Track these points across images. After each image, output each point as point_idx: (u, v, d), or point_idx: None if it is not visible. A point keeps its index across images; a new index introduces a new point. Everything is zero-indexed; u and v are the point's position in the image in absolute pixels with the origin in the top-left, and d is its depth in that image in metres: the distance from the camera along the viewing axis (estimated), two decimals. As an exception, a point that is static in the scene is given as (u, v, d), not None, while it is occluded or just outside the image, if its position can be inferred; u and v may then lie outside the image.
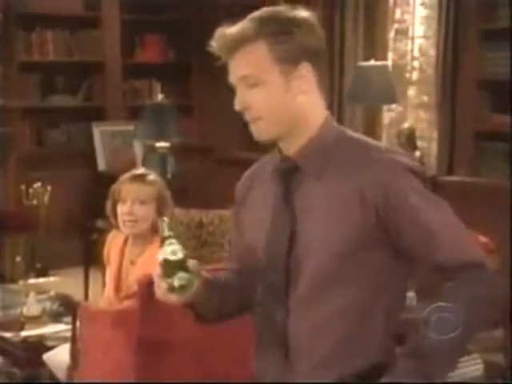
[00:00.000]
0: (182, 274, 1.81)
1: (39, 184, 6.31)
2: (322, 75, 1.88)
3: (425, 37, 6.52)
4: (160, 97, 6.06)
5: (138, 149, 7.02)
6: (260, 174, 2.00)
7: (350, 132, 1.93)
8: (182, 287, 1.82)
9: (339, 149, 1.86)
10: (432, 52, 6.15)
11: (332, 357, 1.84)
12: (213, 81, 7.61)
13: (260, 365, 1.96)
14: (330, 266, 1.81)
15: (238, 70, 1.84)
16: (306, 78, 1.84)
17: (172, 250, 1.82)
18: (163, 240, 1.84)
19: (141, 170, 3.42)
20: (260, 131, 1.86)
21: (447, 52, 5.76)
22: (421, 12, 6.50)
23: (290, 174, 1.88)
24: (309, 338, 1.86)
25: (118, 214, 3.31)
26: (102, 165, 7.15)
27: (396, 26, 6.62)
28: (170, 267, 1.81)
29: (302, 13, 1.84)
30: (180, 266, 1.82)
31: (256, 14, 1.85)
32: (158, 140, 5.72)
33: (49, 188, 6.31)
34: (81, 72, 7.31)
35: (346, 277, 1.82)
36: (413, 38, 6.57)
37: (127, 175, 3.37)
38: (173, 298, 1.85)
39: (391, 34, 6.58)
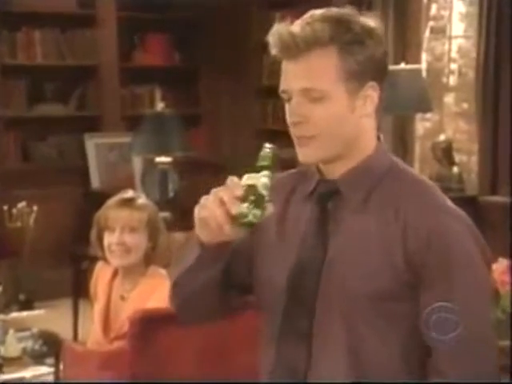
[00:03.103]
0: (257, 212, 1.79)
1: (24, 204, 6.32)
2: (382, 95, 1.90)
3: (464, 36, 6.51)
4: (160, 106, 6.04)
5: (136, 164, 7.02)
6: (296, 190, 1.99)
7: (402, 163, 1.96)
8: (251, 225, 1.80)
9: (389, 179, 1.89)
10: (472, 53, 6.12)
11: None
12: (223, 87, 7.65)
13: None
14: (362, 310, 1.82)
15: (299, 79, 1.84)
16: (371, 98, 1.87)
17: (264, 184, 1.80)
18: (260, 168, 1.81)
19: (129, 194, 3.43)
20: (310, 151, 1.87)
21: (489, 53, 5.74)
22: (460, 8, 6.49)
23: (328, 197, 1.90)
24: None
25: (105, 244, 3.31)
26: (95, 182, 7.15)
27: (431, 23, 6.61)
28: (252, 198, 1.79)
29: (371, 21, 1.86)
30: (262, 201, 1.79)
31: (325, 14, 1.84)
32: (159, 154, 5.73)
33: (35, 208, 6.31)
34: (73, 77, 7.33)
35: (377, 322, 1.83)
36: (450, 38, 6.56)
37: (114, 200, 3.37)
38: (228, 231, 1.78)
39: (426, 33, 6.56)
